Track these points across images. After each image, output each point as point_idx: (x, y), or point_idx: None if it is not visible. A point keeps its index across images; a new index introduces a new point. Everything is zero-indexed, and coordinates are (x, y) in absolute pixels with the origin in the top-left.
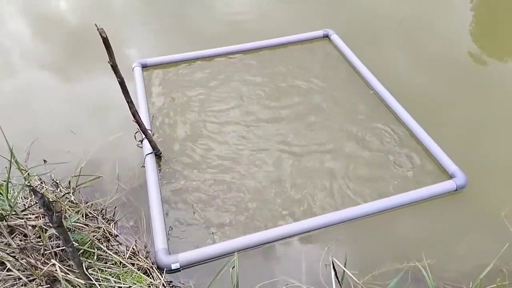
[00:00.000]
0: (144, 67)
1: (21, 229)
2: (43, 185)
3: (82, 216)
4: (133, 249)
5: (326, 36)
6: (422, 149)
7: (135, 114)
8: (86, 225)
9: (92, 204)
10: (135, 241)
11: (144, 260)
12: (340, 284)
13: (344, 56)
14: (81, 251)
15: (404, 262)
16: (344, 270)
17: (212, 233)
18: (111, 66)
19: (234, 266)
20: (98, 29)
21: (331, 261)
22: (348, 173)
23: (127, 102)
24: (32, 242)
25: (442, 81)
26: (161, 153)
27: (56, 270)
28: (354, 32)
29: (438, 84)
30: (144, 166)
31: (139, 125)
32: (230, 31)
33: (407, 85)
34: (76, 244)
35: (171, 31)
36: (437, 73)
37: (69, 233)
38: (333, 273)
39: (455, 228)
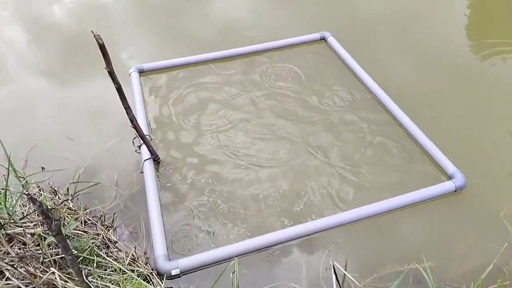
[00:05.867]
0: (141, 72)
1: (20, 237)
2: (41, 192)
3: (81, 223)
4: (133, 255)
5: (323, 39)
6: (421, 150)
7: (133, 119)
8: (85, 232)
9: (91, 211)
10: (135, 247)
11: (144, 267)
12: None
13: (341, 59)
14: (80, 258)
15: (405, 264)
16: (344, 274)
17: (213, 233)
18: (108, 72)
19: (234, 271)
20: (94, 36)
21: (331, 265)
22: (346, 174)
23: (125, 108)
24: (31, 250)
25: (440, 82)
26: (159, 158)
27: (55, 278)
28: (351, 34)
29: (436, 84)
30: (143, 172)
31: (137, 130)
32: (227, 36)
33: (405, 86)
34: (75, 251)
35: (167, 36)
36: (435, 73)
37: (68, 240)
38: (334, 277)
39: (455, 229)
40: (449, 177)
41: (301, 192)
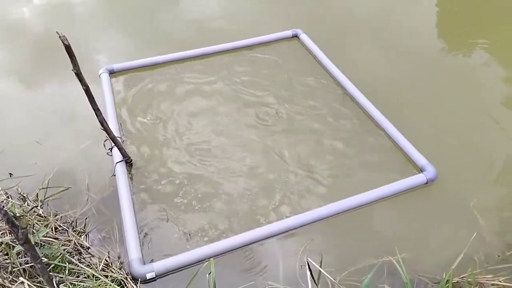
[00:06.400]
0: (112, 73)
1: None
2: (9, 199)
3: (52, 230)
4: (106, 260)
5: (295, 36)
6: (393, 144)
7: (102, 122)
8: (56, 238)
9: (61, 216)
10: (108, 252)
11: (118, 271)
12: (316, 284)
13: (313, 56)
14: (51, 266)
15: (379, 257)
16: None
17: (189, 235)
18: (75, 74)
19: (210, 272)
20: (60, 37)
21: (306, 262)
22: (317, 170)
23: (94, 110)
24: None
25: (409, 76)
26: (131, 160)
27: None
28: (323, 31)
29: (406, 79)
30: (115, 175)
31: (107, 133)
32: (199, 34)
33: (376, 81)
34: (46, 259)
35: (139, 35)
36: (405, 68)
37: (37, 248)
38: (308, 273)
39: (427, 220)
40: (420, 170)
41: (275, 190)
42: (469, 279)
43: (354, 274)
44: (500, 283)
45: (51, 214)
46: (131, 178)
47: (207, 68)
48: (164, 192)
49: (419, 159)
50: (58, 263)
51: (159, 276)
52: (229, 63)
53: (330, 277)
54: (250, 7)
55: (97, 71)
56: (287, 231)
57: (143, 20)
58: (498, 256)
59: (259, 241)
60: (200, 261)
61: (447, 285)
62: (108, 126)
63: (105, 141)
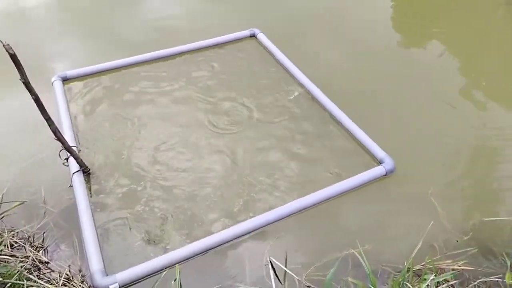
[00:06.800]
0: (65, 80)
1: None
2: None
3: (7, 247)
4: (67, 274)
5: (253, 36)
6: (351, 138)
7: (55, 131)
8: (13, 255)
9: (17, 232)
10: (69, 266)
11: (80, 285)
12: (280, 282)
13: (271, 54)
14: (8, 285)
15: (343, 250)
16: (285, 267)
17: (154, 242)
18: (24, 83)
19: (175, 279)
20: (4, 46)
21: (269, 261)
22: (278, 168)
23: (46, 119)
24: None
25: (366, 70)
26: (89, 169)
27: None
28: (280, 30)
29: (362, 73)
30: (72, 185)
31: (62, 143)
32: (155, 36)
33: (333, 76)
34: (1, 278)
35: (94, 39)
36: (361, 62)
37: None
38: (272, 272)
39: (388, 211)
40: (379, 162)
41: (237, 192)
42: (429, 266)
43: (321, 269)
44: (459, 267)
45: (6, 230)
46: (89, 188)
47: (164, 71)
48: (125, 200)
49: (378, 151)
50: (16, 281)
51: (122, 287)
52: (187, 65)
53: (294, 275)
54: (207, 8)
55: (51, 78)
56: (251, 232)
57: (98, 24)
58: (457, 241)
59: (224, 243)
60: (165, 269)
61: (408, 273)
62: (62, 136)
63: (60, 151)
